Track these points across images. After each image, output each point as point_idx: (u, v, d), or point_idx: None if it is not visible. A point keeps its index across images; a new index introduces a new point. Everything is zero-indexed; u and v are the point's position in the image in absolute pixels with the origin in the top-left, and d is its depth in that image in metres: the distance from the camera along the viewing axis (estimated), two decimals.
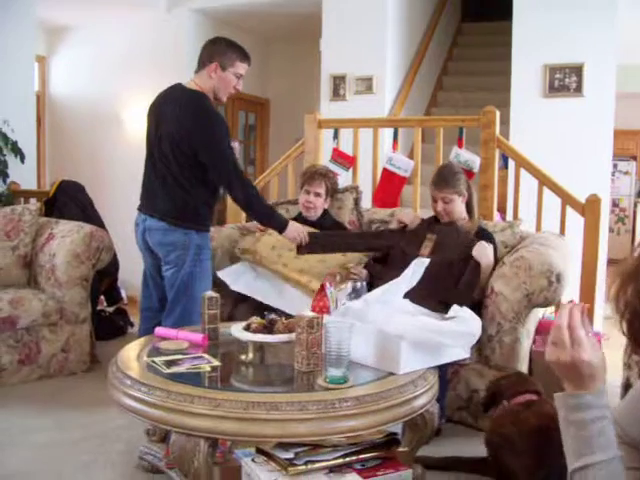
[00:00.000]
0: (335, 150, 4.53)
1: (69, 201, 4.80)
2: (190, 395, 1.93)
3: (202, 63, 3.08)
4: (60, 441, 2.89)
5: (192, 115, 2.97)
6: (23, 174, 4.87)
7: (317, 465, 1.91)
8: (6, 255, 3.85)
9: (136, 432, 2.79)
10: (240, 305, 3.49)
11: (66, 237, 3.83)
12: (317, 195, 3.68)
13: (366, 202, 4.23)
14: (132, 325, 4.81)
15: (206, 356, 2.30)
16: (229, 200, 3.99)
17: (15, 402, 3.34)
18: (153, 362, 2.21)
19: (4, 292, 3.64)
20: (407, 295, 2.59)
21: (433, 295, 2.89)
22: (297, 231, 3.24)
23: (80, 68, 6.45)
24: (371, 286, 2.85)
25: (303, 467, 1.89)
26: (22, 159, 4.79)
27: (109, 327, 4.64)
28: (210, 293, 2.57)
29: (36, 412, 3.23)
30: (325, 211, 3.75)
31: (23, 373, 3.63)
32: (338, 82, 5.41)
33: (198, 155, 2.97)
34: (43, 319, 3.65)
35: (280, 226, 3.21)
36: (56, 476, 2.59)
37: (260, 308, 3.05)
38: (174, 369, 2.14)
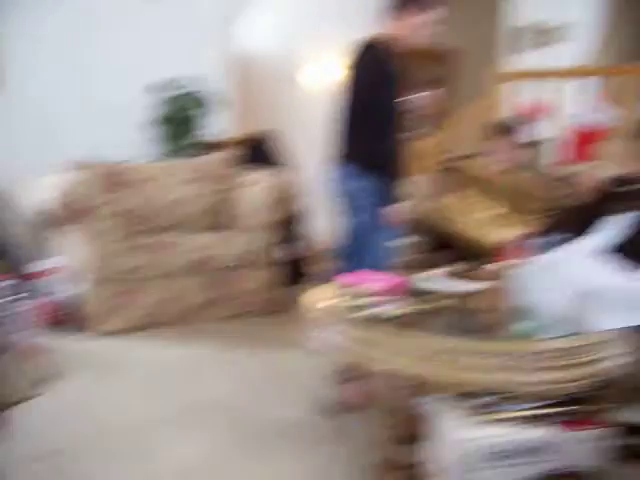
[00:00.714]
0: (522, 104, 4.37)
1: (262, 150, 5.04)
2: (385, 337, 1.97)
3: (393, 9, 3.08)
4: (252, 376, 3.09)
5: (374, 65, 3.02)
6: (220, 125, 5.12)
7: (507, 415, 1.90)
8: (204, 200, 4.17)
9: (319, 373, 2.91)
10: (437, 252, 3.50)
11: (257, 184, 4.03)
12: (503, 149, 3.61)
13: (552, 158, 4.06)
14: (316, 272, 4.96)
15: (402, 300, 2.31)
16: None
17: (208, 338, 3.61)
18: (347, 305, 2.27)
19: (203, 235, 3.94)
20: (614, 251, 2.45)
21: None
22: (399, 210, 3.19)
23: (267, 23, 6.61)
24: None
25: (493, 416, 1.89)
26: (220, 111, 5.03)
27: (294, 273, 4.82)
28: (407, 239, 2.56)
29: (228, 348, 3.47)
30: None
31: (216, 311, 3.90)
32: (524, 33, 5.17)
33: (377, 105, 3.02)
34: (236, 261, 3.89)
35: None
36: (253, 406, 2.77)
37: (459, 256, 3.03)
38: (369, 311, 2.19)
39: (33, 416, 2.63)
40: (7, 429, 2.44)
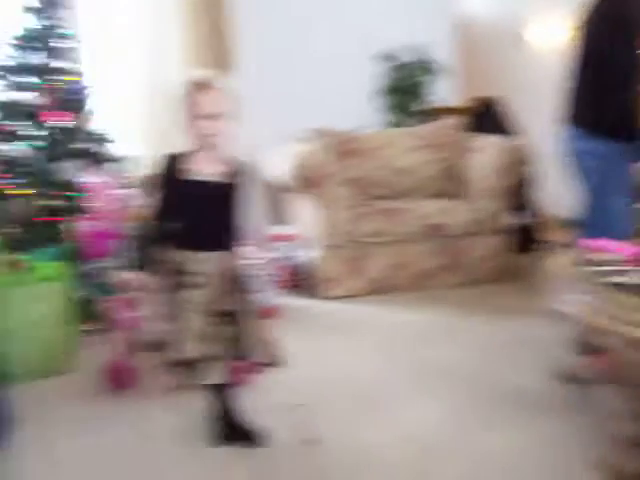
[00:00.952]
0: None
1: (490, 116, 4.91)
2: (632, 306, 1.85)
3: None
4: (485, 343, 3.05)
5: (613, 14, 2.79)
6: (445, 92, 5.07)
7: None
8: (433, 167, 4.17)
9: (558, 341, 2.79)
10: None
11: (488, 150, 3.93)
12: None
13: None
14: (547, 239, 4.77)
15: None
16: None
17: (440, 304, 3.60)
18: (592, 272, 2.15)
19: (432, 201, 3.94)
20: None
21: None
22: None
23: None
24: None
25: None
26: (444, 78, 4.98)
27: (524, 240, 4.67)
28: None
29: (460, 315, 3.44)
30: None
31: (446, 278, 3.89)
32: None
33: (613, 59, 2.79)
34: (466, 228, 3.84)
35: None
36: (487, 373, 2.74)
37: None
38: (615, 279, 2.06)
39: (272, 372, 2.82)
40: (253, 383, 2.64)
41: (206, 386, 2.18)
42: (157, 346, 2.11)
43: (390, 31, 4.78)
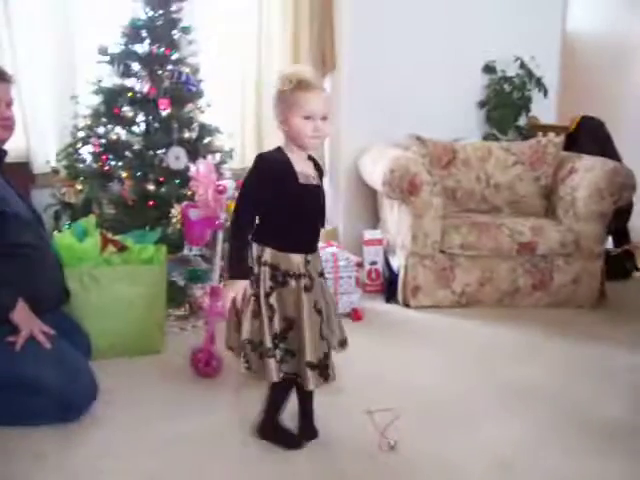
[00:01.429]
0: None
1: (589, 136, 4.78)
2: None
3: None
4: (572, 367, 2.99)
5: None
6: (545, 109, 4.98)
7: None
8: (529, 184, 4.12)
9: None
10: None
11: (589, 171, 3.84)
12: None
13: None
14: (638, 269, 4.63)
15: None
16: None
17: (525, 323, 3.55)
18: None
19: (526, 219, 3.89)
20: None
21: None
22: None
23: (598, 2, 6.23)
24: None
25: None
26: (545, 94, 4.89)
27: (615, 267, 4.54)
28: None
29: (548, 335, 3.38)
30: None
31: (534, 297, 3.82)
32: None
33: None
34: (559, 249, 3.76)
35: None
36: (573, 398, 2.70)
37: None
38: None
39: (354, 373, 2.85)
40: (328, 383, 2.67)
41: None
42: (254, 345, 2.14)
43: (495, 44, 4.73)
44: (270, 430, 2.30)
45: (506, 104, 4.72)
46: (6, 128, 2.47)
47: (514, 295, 3.82)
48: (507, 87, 4.74)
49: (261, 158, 2.12)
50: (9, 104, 2.47)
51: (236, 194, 2.28)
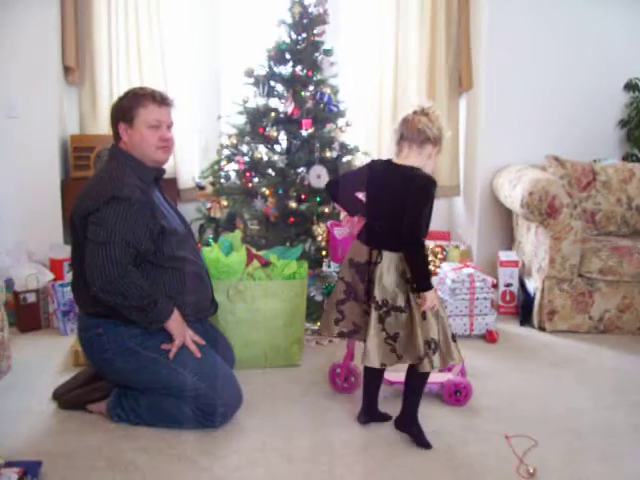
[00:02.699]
0: None
1: None
2: None
3: None
4: None
5: None
6: None
7: None
8: None
9: None
10: None
11: None
12: None
13: None
14: None
15: None
16: None
17: None
18: None
19: None
20: None
21: None
22: None
23: None
24: None
25: None
26: None
27: None
28: None
29: None
30: None
31: None
32: None
33: None
34: None
35: None
36: None
37: None
38: None
39: (490, 396, 2.83)
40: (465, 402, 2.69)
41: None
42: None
43: (638, 60, 4.58)
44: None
45: None
46: (167, 149, 2.63)
47: None
48: None
49: (434, 184, 2.38)
50: (170, 126, 2.64)
51: None
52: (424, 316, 2.36)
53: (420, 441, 2.44)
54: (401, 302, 2.39)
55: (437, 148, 2.41)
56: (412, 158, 2.40)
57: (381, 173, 2.46)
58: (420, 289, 2.36)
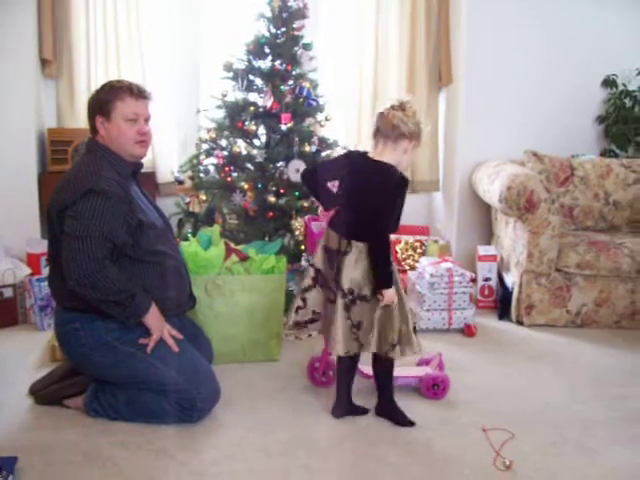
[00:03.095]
0: None
1: None
2: None
3: None
4: None
5: None
6: None
7: None
8: None
9: None
10: None
11: None
12: None
13: None
14: None
15: None
16: None
17: None
18: None
19: None
20: None
21: None
22: None
23: None
24: None
25: None
26: None
27: None
28: None
29: None
30: None
31: None
32: None
33: None
34: None
35: None
36: None
37: None
38: None
39: (467, 389, 2.85)
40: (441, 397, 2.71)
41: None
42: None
43: (616, 56, 4.61)
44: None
45: (626, 119, 4.58)
46: (145, 143, 2.61)
47: (633, 317, 3.70)
48: (628, 102, 4.60)
49: (406, 183, 2.42)
50: (147, 120, 2.62)
51: None
52: (400, 305, 2.45)
53: (403, 422, 2.51)
54: (367, 292, 2.44)
55: (413, 143, 2.42)
56: (387, 153, 2.42)
57: (356, 166, 2.47)
58: (380, 286, 2.42)
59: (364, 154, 2.48)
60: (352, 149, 2.65)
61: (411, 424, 2.51)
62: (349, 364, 2.57)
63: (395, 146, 2.40)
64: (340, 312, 2.44)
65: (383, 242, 2.42)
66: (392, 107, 2.41)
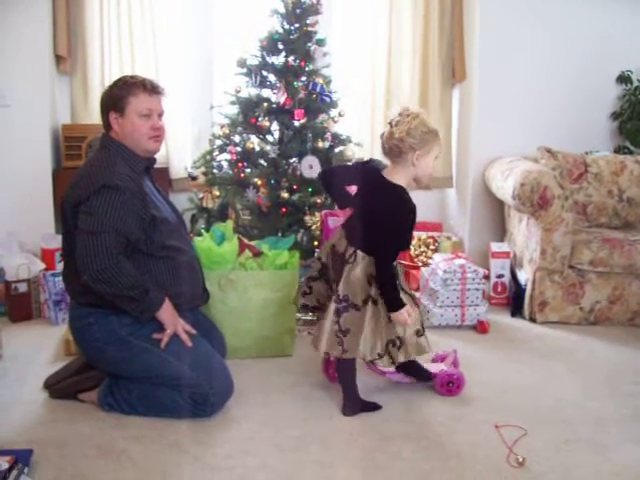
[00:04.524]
0: None
1: None
2: None
3: None
4: None
5: None
6: None
7: None
8: None
9: None
10: None
11: None
12: None
13: None
14: None
15: None
16: None
17: None
18: None
19: None
20: None
21: None
22: None
23: None
24: None
25: None
26: None
27: None
28: None
29: None
30: None
31: None
32: None
33: None
34: None
35: None
36: None
37: None
38: None
39: (481, 386, 2.84)
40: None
41: None
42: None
43: (631, 52, 4.58)
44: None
45: None
46: (158, 139, 2.62)
47: None
48: None
49: (413, 210, 2.43)
50: (161, 115, 2.63)
51: None
52: (389, 319, 2.47)
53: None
54: (359, 301, 2.46)
55: (418, 152, 2.40)
56: (397, 173, 2.45)
57: (370, 183, 2.49)
58: (390, 310, 2.45)
59: (379, 171, 2.48)
60: (373, 158, 2.62)
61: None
62: (348, 362, 2.58)
63: (403, 164, 2.43)
64: (331, 315, 2.48)
65: (386, 264, 2.43)
66: (389, 124, 2.43)
